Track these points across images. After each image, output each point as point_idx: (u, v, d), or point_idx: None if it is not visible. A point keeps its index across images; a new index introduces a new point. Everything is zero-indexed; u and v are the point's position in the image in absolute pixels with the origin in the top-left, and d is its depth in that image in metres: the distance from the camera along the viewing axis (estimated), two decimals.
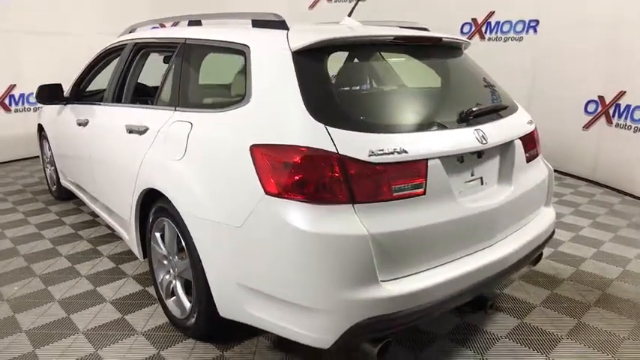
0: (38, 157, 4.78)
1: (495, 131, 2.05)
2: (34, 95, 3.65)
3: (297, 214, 1.64)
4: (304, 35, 1.88)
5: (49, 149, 4.17)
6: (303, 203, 1.64)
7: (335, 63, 2.27)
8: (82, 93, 3.64)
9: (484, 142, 1.95)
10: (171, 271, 2.35)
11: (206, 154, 2.00)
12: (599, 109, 4.89)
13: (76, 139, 3.37)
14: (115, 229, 3.03)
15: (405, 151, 1.71)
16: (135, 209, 2.49)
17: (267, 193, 1.70)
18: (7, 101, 5.90)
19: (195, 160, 2.03)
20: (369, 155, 1.65)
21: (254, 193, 1.72)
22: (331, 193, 1.64)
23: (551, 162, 2.50)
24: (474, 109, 2.01)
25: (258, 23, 2.15)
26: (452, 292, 1.80)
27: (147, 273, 2.90)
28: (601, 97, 4.86)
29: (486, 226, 1.98)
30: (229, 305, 1.95)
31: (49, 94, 3.54)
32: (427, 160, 1.76)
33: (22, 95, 5.96)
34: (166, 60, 3.11)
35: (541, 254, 2.41)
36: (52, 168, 4.22)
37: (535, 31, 5.44)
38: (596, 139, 4.97)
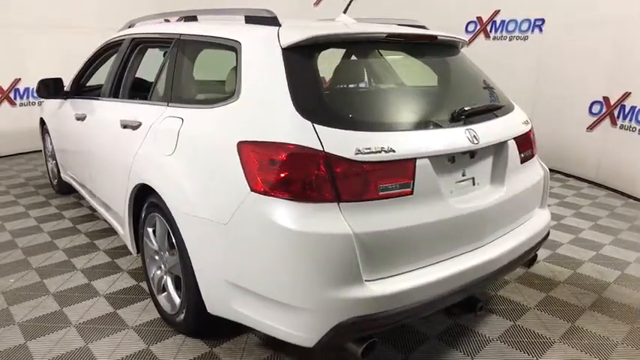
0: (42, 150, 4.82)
1: (488, 131, 2.02)
2: (34, 90, 3.67)
3: (283, 212, 1.63)
4: (295, 32, 1.87)
5: (50, 143, 4.20)
6: (289, 201, 1.63)
7: (334, 60, 2.26)
8: (81, 88, 3.66)
9: (475, 142, 1.93)
10: (162, 266, 2.36)
11: (195, 150, 2.00)
12: (604, 110, 4.82)
13: (74, 133, 3.40)
14: (110, 224, 3.04)
15: (393, 150, 1.69)
16: (128, 204, 2.50)
17: (253, 190, 1.69)
18: (12, 95, 5.97)
19: (185, 156, 2.03)
20: (356, 154, 1.64)
21: (240, 191, 1.72)
22: (317, 191, 1.63)
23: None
24: (466, 109, 1.97)
25: (250, 19, 2.14)
26: (439, 293, 1.78)
27: (141, 268, 2.90)
28: (606, 98, 4.79)
29: (477, 227, 1.96)
30: (217, 302, 1.95)
31: (49, 88, 3.56)
32: (415, 159, 1.74)
33: (26, 89, 6.02)
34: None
35: (536, 256, 2.39)
36: (53, 162, 4.25)
37: (541, 30, 5.37)
38: (600, 140, 4.89)
